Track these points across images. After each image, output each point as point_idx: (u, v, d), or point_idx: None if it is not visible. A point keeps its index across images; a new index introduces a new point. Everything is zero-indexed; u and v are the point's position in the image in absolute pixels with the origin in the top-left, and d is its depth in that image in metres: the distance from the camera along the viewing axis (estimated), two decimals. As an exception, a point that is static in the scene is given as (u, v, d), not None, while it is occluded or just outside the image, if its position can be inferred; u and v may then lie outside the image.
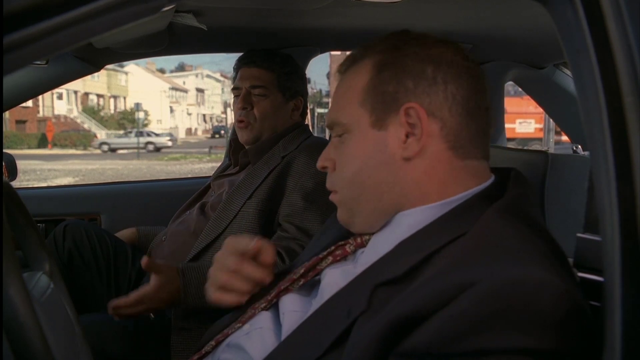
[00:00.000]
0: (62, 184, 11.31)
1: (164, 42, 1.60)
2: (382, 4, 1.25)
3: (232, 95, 1.67)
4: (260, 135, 1.61)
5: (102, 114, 40.64)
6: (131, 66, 45.12)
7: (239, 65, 1.66)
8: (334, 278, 0.79)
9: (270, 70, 1.61)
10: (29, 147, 27.64)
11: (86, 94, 40.80)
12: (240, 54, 1.70)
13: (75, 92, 39.08)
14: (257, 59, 1.62)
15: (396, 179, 0.75)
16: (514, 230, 0.67)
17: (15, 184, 1.48)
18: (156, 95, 47.08)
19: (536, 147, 17.33)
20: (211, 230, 1.49)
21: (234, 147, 1.71)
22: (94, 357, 0.87)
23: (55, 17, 0.51)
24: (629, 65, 0.56)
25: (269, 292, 0.87)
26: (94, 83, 40.76)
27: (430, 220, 0.73)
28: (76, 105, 39.19)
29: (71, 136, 30.95)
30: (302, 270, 0.85)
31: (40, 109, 35.38)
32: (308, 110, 1.75)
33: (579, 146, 1.93)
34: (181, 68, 63.16)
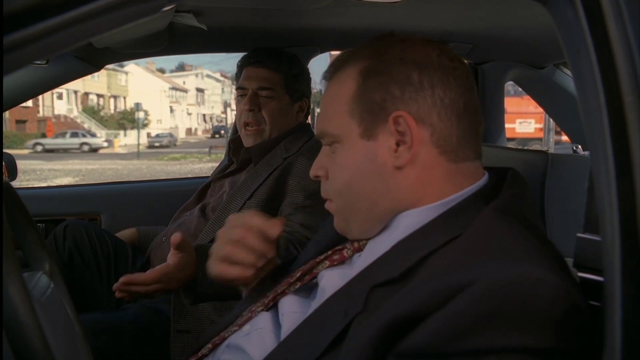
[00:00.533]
0: (62, 184, 11.31)
1: (164, 42, 1.60)
2: (382, 4, 1.25)
3: (233, 95, 1.66)
4: (268, 135, 1.60)
5: (102, 113, 40.66)
6: (131, 66, 45.15)
7: (245, 64, 1.63)
8: (332, 280, 0.79)
9: (277, 71, 1.59)
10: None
11: (86, 94, 40.82)
12: (240, 54, 1.70)
13: (75, 92, 39.08)
14: (264, 58, 1.60)
15: (389, 187, 0.75)
16: (511, 229, 0.67)
17: (15, 184, 1.48)
18: (156, 95, 47.08)
19: (536, 147, 17.32)
20: (211, 230, 1.49)
21: (234, 148, 1.70)
22: (94, 357, 0.87)
23: (55, 17, 0.51)
24: (629, 65, 0.56)
25: (266, 295, 0.87)
26: (94, 83, 40.76)
27: (427, 221, 0.73)
28: (76, 105, 39.21)
29: (71, 136, 30.93)
30: (298, 274, 0.85)
31: (40, 108, 35.39)
32: (310, 111, 1.75)
33: (579, 146, 1.93)
34: (181, 68, 63.16)
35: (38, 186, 7.54)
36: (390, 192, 0.75)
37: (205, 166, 16.70)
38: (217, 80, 58.49)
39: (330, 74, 0.81)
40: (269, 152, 1.57)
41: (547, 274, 0.58)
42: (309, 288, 0.86)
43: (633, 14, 0.57)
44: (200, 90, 56.39)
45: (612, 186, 0.55)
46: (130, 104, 42.30)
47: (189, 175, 11.44)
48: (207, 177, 1.88)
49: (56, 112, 36.95)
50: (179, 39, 1.65)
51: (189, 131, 50.94)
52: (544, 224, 1.03)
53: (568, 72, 2.04)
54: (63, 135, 29.00)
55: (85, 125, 36.70)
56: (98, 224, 2.00)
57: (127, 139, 34.32)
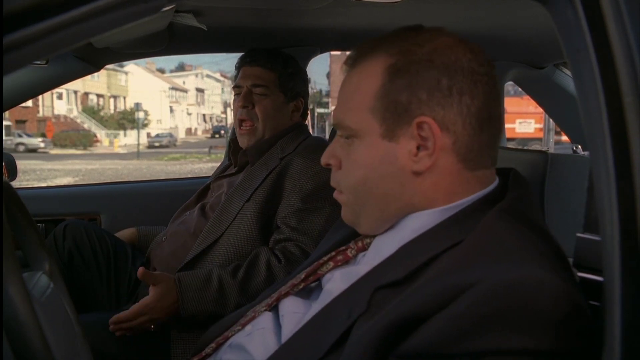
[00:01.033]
0: (62, 184, 11.31)
1: (164, 42, 1.60)
2: (382, 4, 1.25)
3: (232, 95, 1.67)
4: (262, 137, 1.60)
5: (102, 113, 40.65)
6: (131, 66, 45.16)
7: (241, 63, 1.65)
8: (336, 281, 0.79)
9: (272, 70, 1.60)
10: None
11: (86, 94, 40.82)
12: (240, 54, 1.70)
13: (75, 92, 39.09)
14: (259, 58, 1.61)
15: (404, 190, 0.74)
16: (514, 231, 0.67)
17: (15, 184, 1.48)
18: (156, 95, 47.09)
19: (536, 147, 17.32)
20: (210, 233, 1.49)
21: (234, 148, 1.70)
22: (94, 357, 0.87)
23: (55, 17, 0.51)
24: (629, 65, 0.56)
25: (269, 296, 0.87)
26: (94, 83, 40.77)
27: (434, 224, 0.72)
28: (76, 105, 39.20)
29: (71, 136, 30.93)
30: (303, 275, 0.85)
31: (40, 108, 35.40)
32: (308, 111, 1.75)
33: (579, 146, 1.92)
34: (181, 68, 63.19)
35: (38, 186, 7.54)
36: (405, 195, 0.74)
37: (205, 166, 16.70)
38: (217, 80, 58.49)
39: (353, 60, 0.79)
40: (266, 152, 1.57)
41: (549, 275, 0.58)
42: (310, 289, 0.86)
43: (633, 14, 0.57)
44: (200, 90, 56.39)
45: (612, 186, 0.55)
46: (130, 104, 42.29)
47: (189, 175, 11.44)
48: (207, 177, 1.88)
49: (56, 112, 36.95)
50: (179, 39, 1.65)
51: (188, 131, 50.96)
52: (544, 224, 1.03)
53: (568, 72, 2.03)
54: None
55: (85, 125, 36.69)
56: (98, 224, 1.99)
57: (127, 139, 34.32)
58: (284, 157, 1.54)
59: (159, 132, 37.95)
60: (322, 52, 1.97)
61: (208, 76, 58.50)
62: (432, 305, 0.59)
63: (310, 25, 1.63)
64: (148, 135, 35.78)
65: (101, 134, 34.63)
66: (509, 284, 0.57)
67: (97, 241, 1.66)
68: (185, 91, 54.33)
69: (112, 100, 44.81)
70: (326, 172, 1.45)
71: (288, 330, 0.79)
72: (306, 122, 1.75)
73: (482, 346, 0.56)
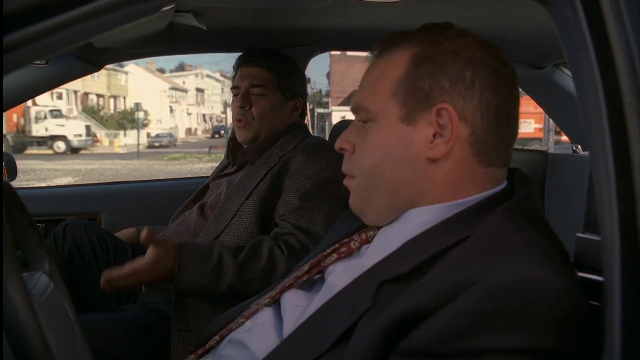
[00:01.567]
0: (62, 184, 11.31)
1: (164, 42, 1.60)
2: (382, 4, 1.25)
3: (232, 95, 1.67)
4: (258, 134, 1.61)
5: (102, 113, 40.62)
6: (131, 66, 45.14)
7: (239, 64, 1.65)
8: (338, 274, 0.79)
9: (269, 70, 1.60)
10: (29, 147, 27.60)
11: (86, 94, 40.79)
12: (240, 54, 1.71)
13: (75, 92, 39.06)
14: (256, 58, 1.62)
15: (416, 177, 0.75)
16: (518, 230, 0.67)
17: (15, 184, 1.48)
18: (156, 95, 47.06)
19: (536, 147, 17.32)
20: (210, 230, 1.49)
21: (233, 147, 1.71)
22: (94, 357, 0.87)
23: (55, 17, 0.51)
24: (629, 65, 0.56)
25: (273, 289, 0.88)
26: (94, 83, 40.75)
27: (440, 220, 0.73)
28: (76, 105, 39.17)
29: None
30: (306, 267, 0.85)
31: (40, 108, 35.34)
32: (308, 111, 1.75)
33: (579, 146, 1.93)
34: (181, 68, 63.18)
35: (38, 186, 7.54)
36: (417, 182, 0.75)
37: (205, 166, 16.70)
38: (217, 80, 58.48)
39: (380, 50, 0.80)
40: (265, 151, 1.58)
41: (551, 274, 0.58)
42: (313, 282, 0.86)
43: (633, 14, 0.57)
44: (200, 90, 56.38)
45: (612, 186, 0.55)
46: (130, 104, 42.26)
47: (189, 175, 11.44)
48: (207, 177, 1.88)
49: (56, 112, 36.91)
50: (179, 39, 1.65)
51: (188, 131, 50.94)
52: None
53: (568, 72, 2.03)
54: None
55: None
56: (98, 224, 2.00)
57: (127, 139, 34.28)
58: (283, 156, 1.54)
59: (159, 132, 37.91)
60: (322, 52, 1.97)
61: (208, 76, 58.49)
62: (434, 302, 0.59)
63: (310, 25, 1.63)
64: (148, 135, 35.75)
65: (101, 134, 34.60)
66: (511, 282, 0.57)
67: (97, 241, 1.66)
68: (185, 91, 54.32)
69: (112, 100, 44.79)
70: (325, 171, 1.48)
71: (290, 324, 0.79)
72: (306, 122, 1.75)
73: (482, 344, 0.56)
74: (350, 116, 0.90)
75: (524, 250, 0.63)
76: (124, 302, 1.66)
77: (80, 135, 25.44)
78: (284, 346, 0.74)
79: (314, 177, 1.47)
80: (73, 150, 24.66)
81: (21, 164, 2.13)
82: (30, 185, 9.94)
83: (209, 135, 45.53)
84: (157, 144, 32.02)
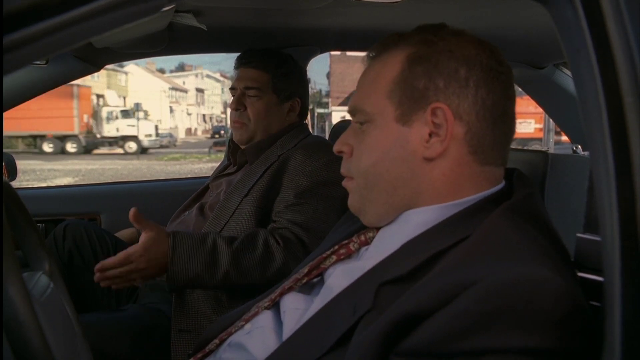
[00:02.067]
0: (62, 184, 11.31)
1: (164, 42, 1.60)
2: (382, 4, 1.25)
3: (231, 95, 1.68)
4: (254, 135, 1.61)
5: (102, 113, 40.56)
6: (131, 66, 45.08)
7: (237, 65, 1.66)
8: (337, 276, 0.79)
9: (265, 71, 1.60)
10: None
11: (86, 94, 40.73)
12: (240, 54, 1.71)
13: (75, 92, 39.00)
14: (253, 59, 1.62)
15: (413, 176, 0.75)
16: (518, 230, 0.67)
17: (15, 184, 1.48)
18: (156, 95, 47.04)
19: (536, 147, 17.33)
20: (209, 228, 1.49)
21: (233, 147, 1.71)
22: (94, 357, 0.87)
23: (55, 17, 0.51)
24: (629, 65, 0.56)
25: (273, 292, 0.88)
26: (94, 83, 40.71)
27: (439, 220, 0.73)
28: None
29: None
30: (306, 270, 0.85)
31: (40, 108, 35.32)
32: (308, 111, 1.75)
33: (579, 146, 1.93)
34: (181, 68, 63.14)
35: (38, 186, 7.54)
36: (413, 181, 0.75)
37: (205, 166, 16.70)
38: (217, 80, 58.48)
39: (376, 52, 0.81)
40: (264, 151, 1.58)
41: (551, 274, 0.58)
42: (312, 284, 0.86)
43: (633, 14, 0.57)
44: (200, 91, 56.36)
45: (612, 186, 0.55)
46: (130, 104, 42.25)
47: (189, 175, 11.45)
48: (207, 177, 1.88)
49: (56, 112, 36.88)
50: (179, 39, 1.65)
51: (188, 131, 50.91)
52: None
53: (568, 72, 2.03)
54: None
55: (85, 125, 36.59)
56: (98, 224, 2.00)
57: (127, 139, 34.21)
58: (283, 154, 1.55)
59: (159, 132, 37.90)
60: (322, 52, 1.98)
61: (208, 76, 58.49)
62: (434, 302, 0.59)
63: (310, 25, 1.63)
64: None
65: (101, 134, 34.53)
66: (511, 282, 0.57)
67: (97, 241, 1.67)
68: (185, 91, 54.30)
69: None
70: (323, 171, 1.48)
71: (289, 327, 0.79)
72: (306, 122, 1.75)
73: (483, 344, 0.56)
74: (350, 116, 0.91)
75: (524, 250, 0.63)
76: (124, 302, 1.66)
77: (150, 135, 25.49)
78: (284, 348, 0.74)
79: (312, 176, 1.47)
80: (143, 150, 24.71)
81: (21, 164, 2.12)
82: (30, 185, 9.94)
83: (209, 135, 45.52)
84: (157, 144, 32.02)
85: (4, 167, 1.69)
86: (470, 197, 0.74)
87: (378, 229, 0.81)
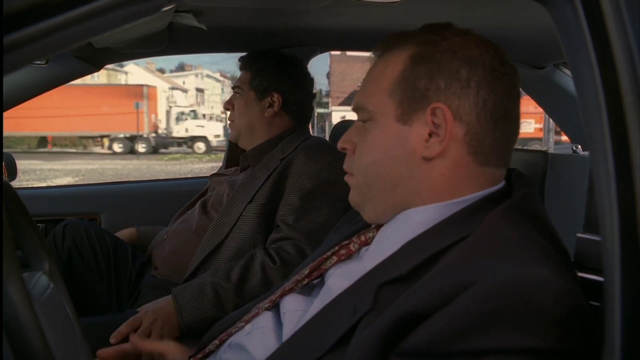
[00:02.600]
0: (62, 184, 11.31)
1: (164, 42, 1.60)
2: (382, 4, 1.25)
3: (233, 96, 1.71)
4: (240, 133, 1.65)
5: (102, 113, 40.58)
6: (131, 66, 45.06)
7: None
8: (338, 277, 0.79)
9: (247, 69, 1.65)
10: (29, 147, 27.59)
11: (86, 94, 40.74)
12: (240, 54, 1.71)
13: (75, 92, 39.01)
14: (242, 61, 1.68)
15: (412, 175, 0.75)
16: (518, 229, 0.67)
17: (15, 184, 1.48)
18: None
19: (536, 147, 17.32)
20: (213, 236, 1.50)
21: (231, 146, 1.73)
22: (94, 357, 0.87)
23: (55, 17, 0.51)
24: (629, 65, 0.56)
25: (273, 293, 0.88)
26: (94, 83, 40.73)
27: (438, 220, 0.73)
28: (76, 105, 39.12)
29: (71, 136, 30.86)
30: (306, 271, 0.85)
31: (41, 108, 35.31)
32: (301, 108, 1.70)
33: (579, 146, 1.93)
34: (181, 68, 63.12)
35: (38, 186, 7.54)
36: (412, 180, 0.75)
37: (205, 166, 16.69)
38: (217, 80, 58.47)
39: (381, 51, 0.81)
40: (266, 155, 1.58)
41: (551, 274, 0.58)
42: (313, 286, 0.86)
43: (633, 14, 0.57)
44: (200, 90, 56.36)
45: (612, 186, 0.55)
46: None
47: (189, 175, 11.44)
48: (207, 177, 1.88)
49: (56, 112, 36.88)
50: (179, 39, 1.65)
51: (188, 131, 50.87)
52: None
53: (568, 72, 2.03)
54: None
55: (86, 125, 36.58)
56: (98, 224, 2.00)
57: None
58: (284, 158, 1.55)
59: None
60: (322, 52, 1.97)
61: (208, 76, 58.46)
62: (434, 302, 0.59)
63: (310, 25, 1.63)
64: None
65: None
66: (511, 282, 0.57)
67: (97, 241, 1.67)
68: (185, 91, 54.30)
69: (112, 100, 44.72)
70: (325, 171, 1.48)
71: (289, 329, 0.79)
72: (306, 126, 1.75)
73: (483, 344, 0.56)
74: (350, 116, 0.91)
75: (524, 250, 0.63)
76: (124, 302, 1.66)
77: (219, 136, 25.42)
78: (284, 348, 0.74)
79: (315, 177, 1.47)
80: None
81: (21, 164, 2.12)
82: (30, 185, 9.94)
83: (209, 135, 45.46)
84: (156, 144, 31.97)
85: (4, 167, 1.69)
86: (469, 196, 0.74)
87: (378, 228, 0.81)
